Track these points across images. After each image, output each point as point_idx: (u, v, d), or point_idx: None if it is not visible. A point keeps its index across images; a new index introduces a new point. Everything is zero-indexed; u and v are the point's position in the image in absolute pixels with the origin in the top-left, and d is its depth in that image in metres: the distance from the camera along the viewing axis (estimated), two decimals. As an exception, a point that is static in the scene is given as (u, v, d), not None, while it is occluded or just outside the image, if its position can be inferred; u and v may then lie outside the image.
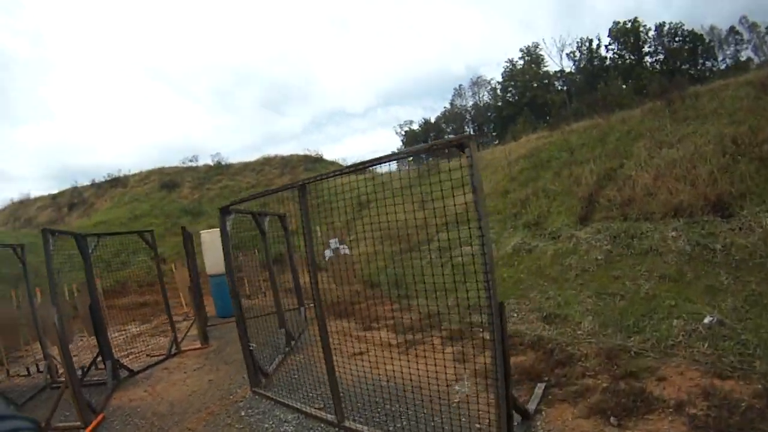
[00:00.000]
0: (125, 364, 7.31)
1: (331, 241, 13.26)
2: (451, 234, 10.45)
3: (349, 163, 28.62)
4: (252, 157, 31.07)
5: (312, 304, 4.95)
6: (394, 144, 48.10)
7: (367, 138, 74.52)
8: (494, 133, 24.24)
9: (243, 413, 5.23)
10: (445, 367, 3.95)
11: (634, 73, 26.12)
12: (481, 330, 6.22)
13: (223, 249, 5.91)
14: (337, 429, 4.38)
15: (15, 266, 7.75)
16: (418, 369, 3.96)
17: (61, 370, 7.14)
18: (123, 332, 9.29)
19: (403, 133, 37.30)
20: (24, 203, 27.85)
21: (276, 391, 5.53)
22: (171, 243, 17.51)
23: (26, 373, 7.48)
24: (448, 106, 35.94)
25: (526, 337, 5.70)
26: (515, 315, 6.54)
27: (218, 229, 6.51)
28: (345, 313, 7.89)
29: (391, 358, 4.49)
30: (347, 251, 9.99)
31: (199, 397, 5.88)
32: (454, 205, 3.30)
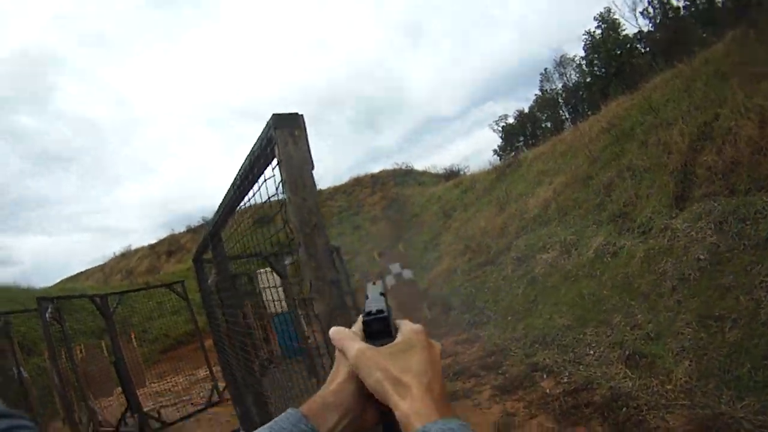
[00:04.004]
0: (163, 414, 7.07)
1: (391, 266, 12.26)
2: (530, 238, 8.92)
3: (439, 171, 27.93)
4: (343, 179, 30.81)
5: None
6: (495, 141, 45.39)
7: (467, 140, 71.79)
8: (589, 112, 21.33)
9: None
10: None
11: (710, 16, 21.44)
12: (544, 375, 4.93)
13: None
14: None
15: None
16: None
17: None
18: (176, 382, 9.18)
19: (500, 128, 35.02)
20: (125, 255, 30.39)
21: None
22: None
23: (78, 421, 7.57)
24: (539, 92, 33.21)
25: (598, 392, 4.15)
26: (591, 353, 4.97)
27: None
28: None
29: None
30: (410, 276, 8.90)
31: None
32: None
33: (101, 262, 31.84)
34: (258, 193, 1.75)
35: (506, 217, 10.53)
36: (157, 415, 7.23)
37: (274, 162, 1.42)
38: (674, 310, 4.62)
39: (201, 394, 8.75)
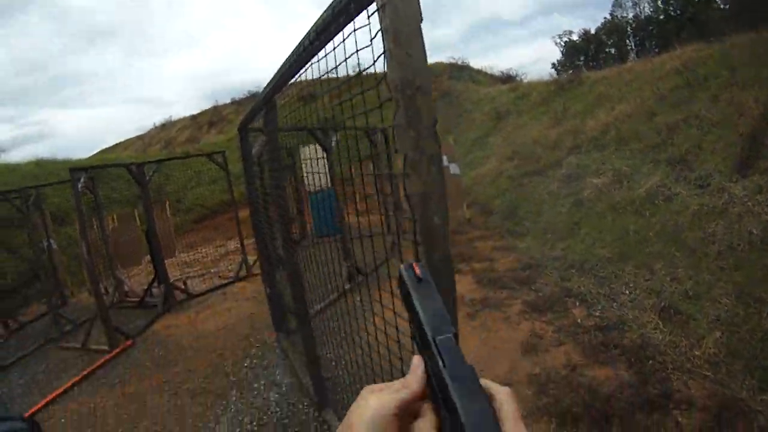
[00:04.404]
0: (189, 286, 7.30)
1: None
2: (582, 159, 8.47)
3: (495, 73, 26.51)
4: None
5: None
6: (554, 55, 42.17)
7: (526, 48, 67.31)
8: (656, 50, 19.58)
9: (247, 362, 4.93)
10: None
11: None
12: (576, 303, 4.89)
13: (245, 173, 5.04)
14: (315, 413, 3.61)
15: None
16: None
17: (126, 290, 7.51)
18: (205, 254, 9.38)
19: (562, 43, 32.58)
20: (166, 126, 30.36)
21: (297, 340, 4.91)
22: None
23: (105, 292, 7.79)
24: (608, 16, 30.78)
25: (628, 335, 4.09)
26: (627, 293, 4.86)
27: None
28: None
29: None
30: (457, 171, 8.63)
31: (226, 332, 5.77)
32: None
33: (140, 133, 32.08)
34: (337, 49, 1.51)
35: (561, 131, 10.09)
36: (183, 286, 7.47)
37: (372, 7, 1.15)
38: (717, 275, 4.45)
39: (230, 267, 8.95)
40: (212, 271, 8.95)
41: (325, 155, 6.16)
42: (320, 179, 4.85)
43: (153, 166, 7.26)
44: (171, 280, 7.32)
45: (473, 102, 17.43)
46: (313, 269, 3.57)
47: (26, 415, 4.13)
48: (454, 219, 8.38)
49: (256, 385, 4.32)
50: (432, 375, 0.47)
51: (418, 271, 0.54)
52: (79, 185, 5.79)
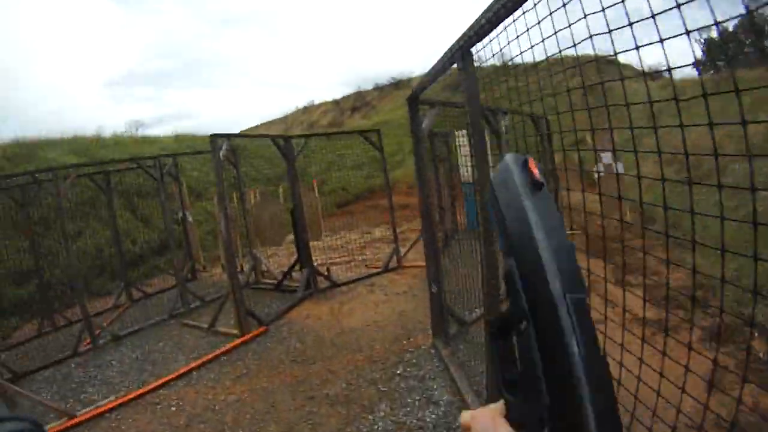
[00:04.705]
0: (332, 273, 6.76)
1: (603, 154, 10.11)
2: (748, 168, 6.46)
3: (638, 68, 23.04)
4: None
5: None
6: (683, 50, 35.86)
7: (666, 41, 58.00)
8: None
9: (399, 370, 4.21)
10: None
11: None
12: (755, 334, 4.23)
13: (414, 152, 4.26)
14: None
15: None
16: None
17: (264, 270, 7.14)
18: (349, 239, 8.82)
19: (702, 41, 27.96)
20: (308, 109, 30.71)
21: (458, 349, 4.27)
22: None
23: (240, 269, 7.43)
24: (744, 11, 25.44)
25: None
26: None
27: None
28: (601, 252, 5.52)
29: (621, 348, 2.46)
30: (621, 169, 7.02)
31: (374, 331, 5.13)
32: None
33: (281, 115, 33.12)
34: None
35: (722, 135, 8.05)
36: (326, 273, 6.92)
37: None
38: None
39: (377, 256, 8.29)
40: (359, 258, 8.28)
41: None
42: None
43: (300, 142, 6.79)
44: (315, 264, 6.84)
45: (623, 99, 15.64)
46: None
47: (131, 395, 3.50)
48: (612, 224, 6.97)
49: (409, 400, 3.62)
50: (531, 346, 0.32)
51: (536, 171, 0.36)
52: (221, 153, 5.41)
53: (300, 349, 4.74)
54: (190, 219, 8.11)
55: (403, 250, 7.43)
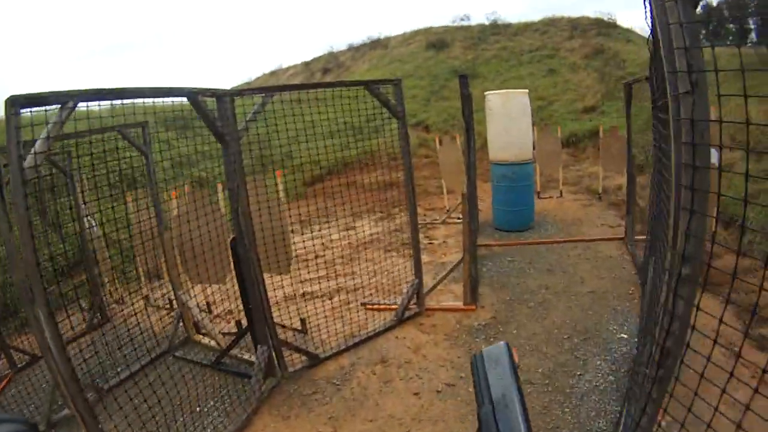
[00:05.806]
0: (309, 327, 4.25)
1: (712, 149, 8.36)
2: None
3: (642, 33, 21.70)
4: (534, 17, 25.48)
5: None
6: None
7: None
8: None
9: None
10: None
11: None
12: None
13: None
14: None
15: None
16: None
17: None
18: (343, 239, 6.26)
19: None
20: (275, 73, 27.67)
21: None
22: (437, 109, 14.54)
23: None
24: None
25: None
26: None
27: (516, 91, 4.63)
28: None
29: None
30: (716, 161, 4.87)
31: None
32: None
33: (246, 80, 30.01)
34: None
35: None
36: (299, 329, 4.41)
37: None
38: None
39: (375, 278, 5.10)
40: (348, 284, 5.41)
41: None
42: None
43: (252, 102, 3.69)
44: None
45: (638, 64, 14.19)
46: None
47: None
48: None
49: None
50: None
51: (516, 358, 0.56)
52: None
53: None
54: (95, 226, 5.24)
55: (427, 280, 4.68)
